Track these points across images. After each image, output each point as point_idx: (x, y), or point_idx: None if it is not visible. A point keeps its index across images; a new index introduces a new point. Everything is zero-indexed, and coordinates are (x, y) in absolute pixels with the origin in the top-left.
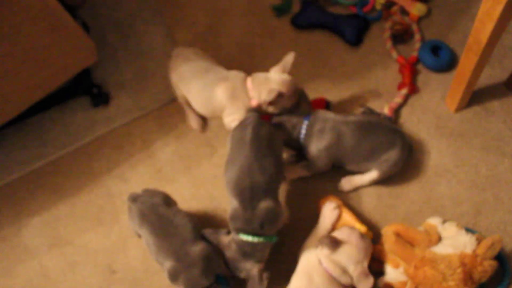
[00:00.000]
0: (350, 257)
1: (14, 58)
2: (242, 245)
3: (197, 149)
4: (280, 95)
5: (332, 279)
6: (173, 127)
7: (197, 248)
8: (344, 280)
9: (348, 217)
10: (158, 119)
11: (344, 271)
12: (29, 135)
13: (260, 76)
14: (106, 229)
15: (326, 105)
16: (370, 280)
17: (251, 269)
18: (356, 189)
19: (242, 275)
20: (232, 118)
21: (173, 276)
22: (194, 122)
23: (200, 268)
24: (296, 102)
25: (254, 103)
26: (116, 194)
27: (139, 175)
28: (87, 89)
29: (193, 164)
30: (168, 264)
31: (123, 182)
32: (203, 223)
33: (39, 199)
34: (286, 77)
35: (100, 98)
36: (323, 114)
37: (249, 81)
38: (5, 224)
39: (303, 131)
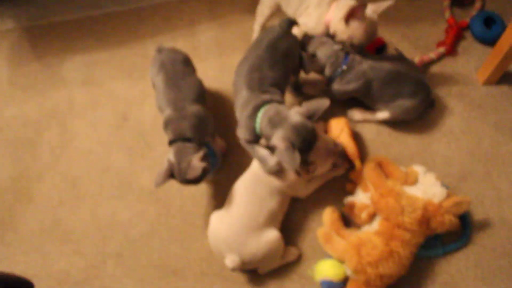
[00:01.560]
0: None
1: None
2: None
3: (234, 41)
4: (354, 16)
5: None
6: (220, 15)
7: (194, 108)
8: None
9: (352, 148)
10: (209, 4)
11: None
12: None
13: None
14: (132, 82)
15: (382, 45)
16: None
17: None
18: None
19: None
20: (303, 21)
21: (165, 123)
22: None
23: (189, 123)
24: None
25: (327, 18)
26: (151, 56)
27: (176, 46)
28: None
29: (226, 52)
30: (166, 112)
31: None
32: (217, 101)
33: (86, 42)
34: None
35: None
36: (359, 59)
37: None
38: (52, 54)
39: (337, 73)
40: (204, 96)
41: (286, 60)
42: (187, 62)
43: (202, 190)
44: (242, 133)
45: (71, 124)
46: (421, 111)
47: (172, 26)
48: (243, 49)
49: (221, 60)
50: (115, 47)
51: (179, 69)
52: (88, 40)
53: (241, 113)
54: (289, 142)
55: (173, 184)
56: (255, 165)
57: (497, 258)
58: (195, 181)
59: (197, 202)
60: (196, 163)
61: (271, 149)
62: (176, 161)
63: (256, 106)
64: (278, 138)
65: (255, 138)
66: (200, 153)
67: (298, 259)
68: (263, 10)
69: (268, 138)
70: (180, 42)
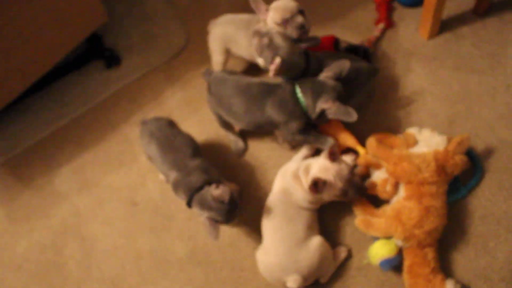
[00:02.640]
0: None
1: (37, 22)
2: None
3: (201, 94)
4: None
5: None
6: (179, 77)
7: (195, 162)
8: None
9: (349, 139)
10: (165, 72)
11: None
12: (53, 98)
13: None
14: (126, 169)
15: (335, 42)
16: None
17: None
18: None
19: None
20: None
21: (174, 187)
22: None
23: (196, 175)
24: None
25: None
26: (133, 138)
27: None
28: (100, 53)
29: (198, 106)
30: (172, 176)
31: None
32: (211, 152)
33: (66, 152)
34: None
35: (112, 60)
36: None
37: None
38: (39, 175)
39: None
40: (199, 149)
41: None
42: (172, 124)
43: (236, 235)
44: (294, 127)
45: (86, 231)
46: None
47: (139, 105)
48: None
49: (198, 116)
50: (95, 145)
51: (168, 132)
52: (68, 148)
53: (283, 110)
54: (337, 101)
55: (207, 240)
56: (275, 189)
57: None
58: (234, 205)
59: (236, 248)
60: (216, 191)
61: (321, 117)
62: (207, 210)
63: (292, 90)
64: (325, 102)
65: (307, 120)
66: (213, 185)
67: (349, 256)
68: (217, 59)
69: (315, 106)
70: (153, 115)
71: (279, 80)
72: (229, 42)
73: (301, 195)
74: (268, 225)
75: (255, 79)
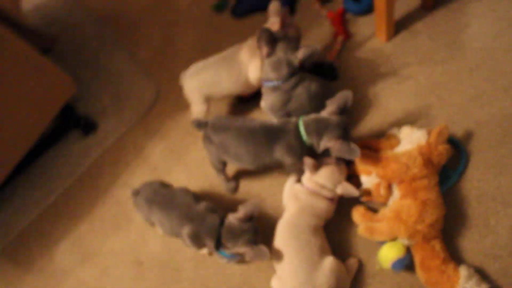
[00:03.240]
0: (328, 177)
1: (6, 107)
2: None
3: (182, 141)
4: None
5: (314, 194)
6: (157, 130)
7: (202, 205)
8: (325, 193)
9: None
10: (142, 127)
11: (323, 187)
12: (37, 176)
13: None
14: (124, 231)
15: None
16: (354, 191)
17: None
18: None
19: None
20: (255, 73)
21: (195, 236)
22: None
23: (210, 216)
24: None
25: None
26: (125, 200)
27: (139, 178)
28: (75, 123)
29: (182, 154)
30: (186, 229)
31: (128, 187)
32: (203, 197)
33: (61, 227)
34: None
35: (89, 127)
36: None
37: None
38: (38, 257)
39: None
40: (195, 194)
41: None
42: (164, 184)
43: (246, 272)
44: (301, 165)
45: None
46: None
47: (124, 165)
48: (193, 141)
49: (183, 163)
50: (89, 213)
51: (164, 192)
52: (62, 223)
53: (292, 154)
54: (341, 139)
55: (219, 284)
56: (286, 216)
57: (496, 149)
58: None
59: (250, 285)
60: (241, 211)
61: (325, 153)
62: (241, 236)
63: (296, 133)
64: (329, 141)
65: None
66: (229, 213)
67: (360, 265)
68: (199, 109)
69: (319, 145)
70: (139, 172)
71: (281, 120)
72: (210, 88)
73: (324, 203)
74: (281, 255)
75: (256, 123)
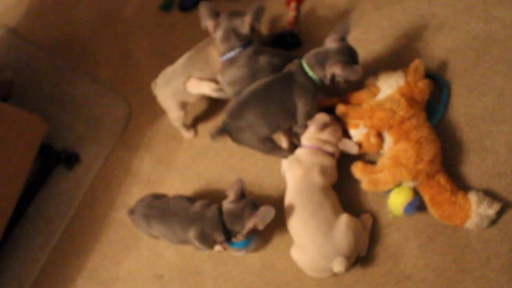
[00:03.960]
0: (332, 133)
1: None
2: None
3: (166, 147)
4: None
5: (316, 151)
6: (139, 143)
7: (197, 204)
8: (328, 148)
9: None
10: (124, 145)
11: (326, 142)
12: (34, 222)
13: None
14: (136, 250)
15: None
16: (355, 146)
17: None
18: None
19: None
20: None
21: (202, 236)
22: (188, 134)
23: (209, 210)
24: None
25: None
26: (127, 220)
27: (135, 195)
28: (56, 160)
29: (171, 160)
30: (191, 233)
31: (127, 207)
32: (201, 196)
33: (72, 265)
34: None
35: (71, 160)
36: None
37: None
38: None
39: None
40: (190, 198)
41: None
42: (156, 196)
43: (264, 255)
44: (310, 105)
45: None
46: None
47: (117, 186)
48: (178, 145)
49: (174, 169)
50: (96, 243)
51: (158, 204)
52: (72, 261)
53: (308, 94)
54: (341, 63)
55: (243, 275)
56: (292, 181)
57: (473, 71)
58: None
59: (271, 266)
60: (229, 192)
61: (333, 81)
62: (245, 214)
63: (302, 71)
64: (331, 67)
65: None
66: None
67: (374, 219)
68: (176, 115)
69: (325, 76)
70: (134, 189)
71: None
72: (184, 94)
73: (328, 159)
74: (296, 222)
75: (262, 82)
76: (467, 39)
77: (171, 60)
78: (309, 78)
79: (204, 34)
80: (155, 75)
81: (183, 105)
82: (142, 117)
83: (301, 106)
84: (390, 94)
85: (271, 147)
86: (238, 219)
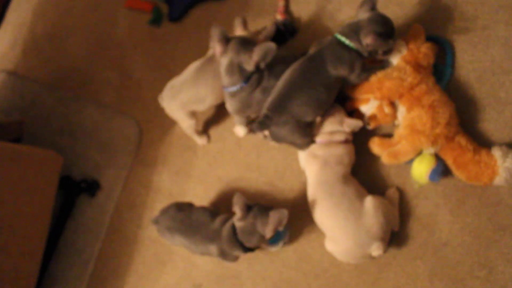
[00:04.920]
0: (331, 121)
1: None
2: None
3: (182, 158)
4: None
5: (329, 144)
6: (154, 159)
7: (217, 222)
8: (338, 137)
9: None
10: (141, 163)
11: (333, 132)
12: (67, 254)
13: None
14: (170, 263)
15: None
16: (358, 122)
17: None
18: None
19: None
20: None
21: (223, 254)
22: (202, 140)
23: (224, 228)
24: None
25: None
26: (156, 236)
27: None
28: (77, 189)
29: (189, 170)
30: (212, 251)
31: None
32: (227, 199)
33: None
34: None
35: (92, 188)
36: None
37: None
38: None
39: None
40: (211, 208)
41: None
42: (179, 207)
43: (298, 247)
44: (358, 69)
45: None
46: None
47: (141, 205)
48: (193, 154)
49: (193, 177)
50: (130, 264)
51: (181, 217)
52: (110, 286)
53: (343, 63)
54: (374, 33)
55: (281, 269)
56: (312, 174)
57: (474, 24)
58: None
59: (307, 257)
60: (238, 221)
61: (373, 52)
62: (258, 229)
63: (337, 41)
64: (365, 37)
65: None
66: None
67: (401, 193)
68: (188, 124)
69: (362, 46)
70: (157, 205)
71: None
72: (193, 105)
73: (341, 148)
74: (323, 216)
75: (293, 72)
76: None
77: (171, 72)
78: (346, 46)
79: (200, 42)
80: (158, 90)
81: (193, 114)
82: (152, 133)
83: (345, 74)
84: (396, 64)
85: (310, 133)
86: (253, 234)
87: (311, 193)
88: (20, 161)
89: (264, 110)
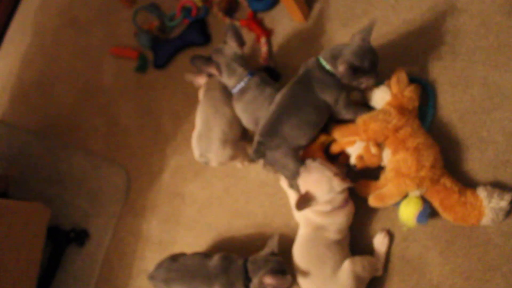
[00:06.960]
0: (322, 191)
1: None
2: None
3: (171, 205)
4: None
5: (324, 213)
6: (143, 207)
7: (214, 259)
8: (336, 204)
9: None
10: (130, 211)
11: (328, 202)
12: None
13: None
14: None
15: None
16: (347, 182)
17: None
18: None
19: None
20: None
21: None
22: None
23: (232, 270)
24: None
25: None
26: (147, 285)
27: (151, 259)
28: (66, 240)
29: (178, 217)
30: (216, 286)
31: (144, 273)
32: (218, 247)
33: None
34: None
35: (81, 237)
36: None
37: None
38: None
39: None
40: (205, 253)
41: None
42: (173, 258)
43: None
44: (344, 98)
45: None
46: None
47: (131, 254)
48: (181, 202)
49: (183, 224)
50: None
51: (175, 267)
52: None
53: (328, 88)
54: (347, 64)
55: None
56: (301, 237)
57: (452, 65)
58: None
59: None
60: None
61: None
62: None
63: (319, 65)
64: (340, 64)
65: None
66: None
67: (391, 236)
68: (242, 155)
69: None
70: (147, 254)
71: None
72: (228, 144)
73: (342, 214)
74: (301, 272)
75: (284, 95)
76: (438, 36)
77: (158, 119)
78: (327, 72)
79: (185, 87)
80: (145, 137)
81: (236, 147)
82: (141, 180)
83: (330, 101)
84: (381, 108)
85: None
86: (263, 267)
87: (295, 248)
88: (6, 216)
89: (256, 137)
